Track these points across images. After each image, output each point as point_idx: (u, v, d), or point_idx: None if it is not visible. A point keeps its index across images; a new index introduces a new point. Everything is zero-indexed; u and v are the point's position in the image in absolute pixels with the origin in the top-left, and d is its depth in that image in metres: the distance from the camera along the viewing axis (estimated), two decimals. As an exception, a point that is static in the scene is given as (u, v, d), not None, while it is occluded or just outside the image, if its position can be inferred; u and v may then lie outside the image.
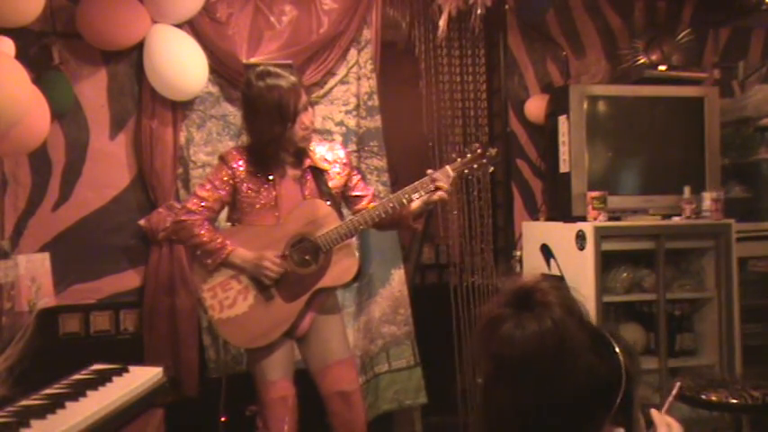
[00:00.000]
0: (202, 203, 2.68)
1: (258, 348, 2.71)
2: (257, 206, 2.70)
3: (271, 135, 2.63)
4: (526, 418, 1.12)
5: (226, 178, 2.69)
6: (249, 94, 2.66)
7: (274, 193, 2.70)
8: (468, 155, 2.79)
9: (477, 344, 1.20)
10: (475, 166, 2.79)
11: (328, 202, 2.72)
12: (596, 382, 1.13)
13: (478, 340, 1.19)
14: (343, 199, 2.86)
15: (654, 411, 1.27)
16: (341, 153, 2.84)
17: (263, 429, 2.73)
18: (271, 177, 2.70)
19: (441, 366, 3.68)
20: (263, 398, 2.73)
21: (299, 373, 2.81)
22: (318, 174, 2.77)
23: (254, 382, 2.76)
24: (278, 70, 2.69)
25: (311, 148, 2.78)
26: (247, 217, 2.72)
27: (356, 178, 2.87)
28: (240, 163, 2.70)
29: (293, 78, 2.66)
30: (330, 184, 2.77)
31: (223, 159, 2.73)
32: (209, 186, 2.70)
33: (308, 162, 2.75)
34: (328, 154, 2.81)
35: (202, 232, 2.65)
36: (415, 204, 2.73)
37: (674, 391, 1.45)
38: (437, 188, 2.70)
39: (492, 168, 2.91)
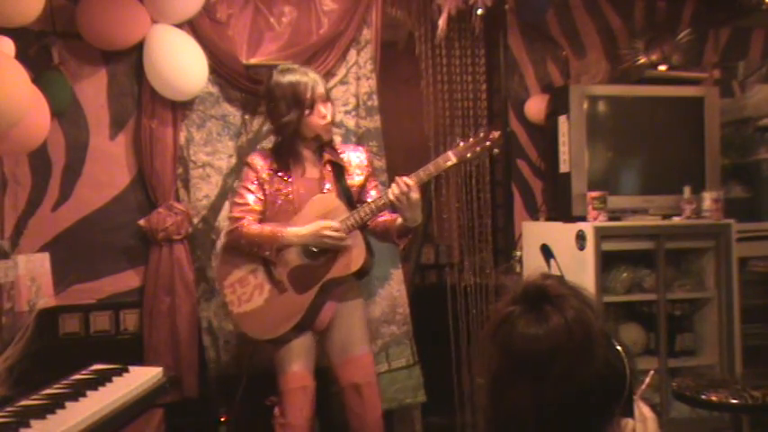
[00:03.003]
0: (244, 207, 2.79)
1: (277, 340, 2.79)
2: (277, 204, 2.81)
3: (288, 121, 2.75)
4: (546, 414, 1.11)
5: (254, 179, 2.82)
6: (269, 86, 2.83)
7: (293, 191, 2.81)
8: (471, 139, 2.81)
9: (489, 344, 1.17)
10: (478, 149, 2.79)
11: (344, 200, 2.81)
12: (611, 371, 1.13)
13: (491, 340, 1.17)
14: (357, 201, 2.93)
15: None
16: (362, 156, 2.96)
17: (281, 418, 2.78)
18: (290, 177, 2.81)
19: (440, 366, 3.68)
20: (282, 387, 2.79)
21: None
22: (338, 171, 2.87)
23: (274, 373, 2.83)
24: (297, 67, 2.88)
25: (334, 145, 2.90)
26: (267, 215, 2.82)
27: (371, 185, 2.95)
28: (263, 164, 2.83)
29: (313, 74, 2.82)
30: (348, 182, 2.87)
31: (247, 164, 2.88)
32: (243, 192, 2.82)
33: (327, 157, 2.85)
34: (352, 155, 2.93)
35: (253, 227, 2.76)
36: (398, 221, 2.78)
37: (647, 380, 1.45)
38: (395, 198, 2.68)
39: (496, 150, 2.90)
